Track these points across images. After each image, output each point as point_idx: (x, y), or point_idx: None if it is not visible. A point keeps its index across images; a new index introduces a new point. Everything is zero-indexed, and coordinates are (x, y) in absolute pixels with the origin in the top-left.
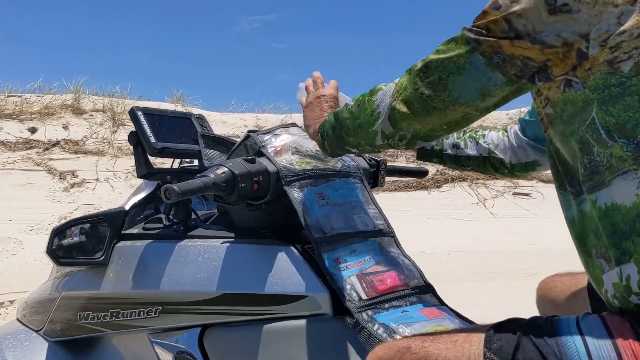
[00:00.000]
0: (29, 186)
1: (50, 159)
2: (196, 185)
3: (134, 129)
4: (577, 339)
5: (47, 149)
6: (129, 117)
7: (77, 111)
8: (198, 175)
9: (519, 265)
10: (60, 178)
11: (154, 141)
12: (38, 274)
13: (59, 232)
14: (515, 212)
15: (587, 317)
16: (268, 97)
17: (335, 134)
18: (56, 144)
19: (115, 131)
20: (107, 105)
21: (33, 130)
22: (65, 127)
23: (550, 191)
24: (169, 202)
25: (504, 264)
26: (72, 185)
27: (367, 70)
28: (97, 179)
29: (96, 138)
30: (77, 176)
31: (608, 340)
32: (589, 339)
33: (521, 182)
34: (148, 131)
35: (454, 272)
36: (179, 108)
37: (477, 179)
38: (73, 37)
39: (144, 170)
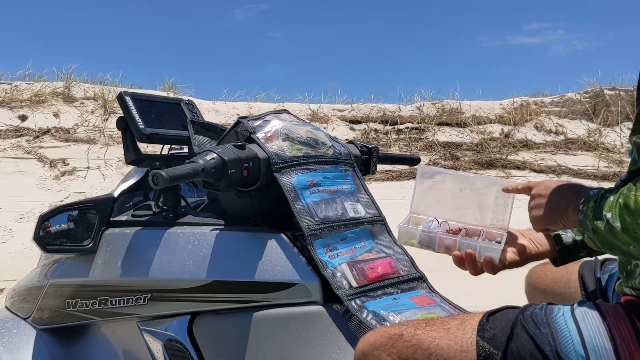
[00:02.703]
0: (19, 174)
1: (41, 147)
2: (185, 171)
3: (122, 115)
4: (572, 327)
5: (38, 137)
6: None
7: (68, 99)
8: (187, 161)
9: None
10: (51, 166)
11: (143, 127)
12: (28, 262)
13: (46, 219)
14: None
15: (582, 305)
16: (261, 86)
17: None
18: (47, 131)
19: (107, 119)
20: (98, 93)
21: (23, 118)
22: (55, 115)
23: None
24: (157, 187)
25: None
26: (63, 174)
27: (363, 60)
28: (88, 167)
29: (87, 126)
30: (68, 164)
31: (603, 328)
32: (583, 327)
33: (513, 172)
34: (137, 117)
35: (445, 261)
36: (171, 96)
37: (470, 169)
38: (63, 21)
39: (133, 157)
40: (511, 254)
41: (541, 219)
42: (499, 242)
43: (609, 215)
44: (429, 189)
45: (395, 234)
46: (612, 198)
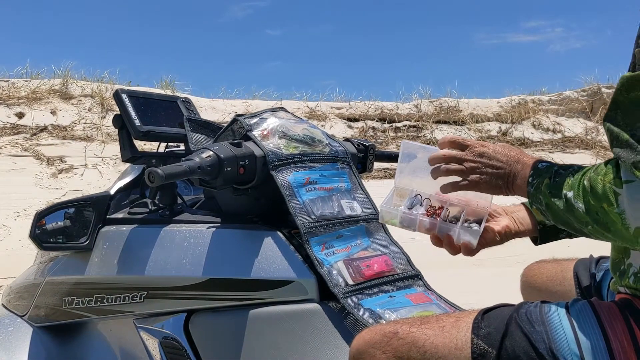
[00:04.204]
0: (16, 172)
1: (38, 145)
2: (181, 169)
3: (119, 112)
4: (566, 325)
5: (35, 134)
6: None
7: (65, 96)
8: (183, 159)
9: (508, 251)
10: (48, 164)
11: (139, 124)
12: (25, 260)
13: (42, 216)
14: (504, 199)
15: (576, 303)
16: (259, 84)
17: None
18: (44, 129)
19: (104, 117)
20: (96, 91)
21: (20, 115)
22: (53, 113)
23: None
24: (152, 185)
25: (493, 251)
26: (60, 171)
27: (361, 58)
28: (86, 165)
29: (84, 123)
30: (65, 162)
31: (597, 326)
32: (577, 325)
33: None
34: (133, 114)
35: (441, 259)
36: (168, 93)
37: None
38: (63, 21)
39: (129, 154)
40: (490, 233)
41: (482, 184)
42: (479, 224)
43: (569, 194)
44: (413, 163)
45: (392, 230)
46: (571, 178)
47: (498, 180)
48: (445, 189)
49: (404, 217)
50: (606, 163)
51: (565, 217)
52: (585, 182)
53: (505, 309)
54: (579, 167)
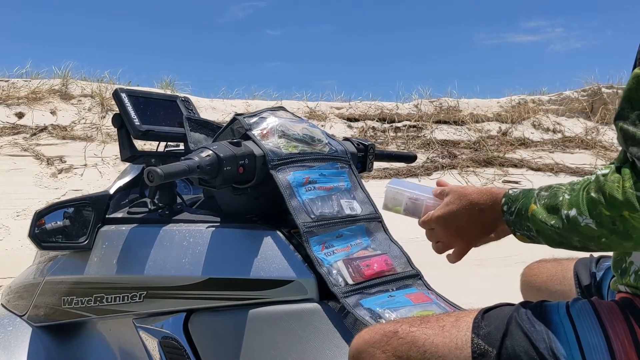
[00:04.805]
0: (16, 172)
1: (38, 145)
2: (180, 168)
3: (118, 112)
4: (567, 324)
5: (35, 134)
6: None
7: (65, 96)
8: (182, 158)
9: (508, 251)
10: (48, 164)
11: (138, 123)
12: (25, 259)
13: (41, 216)
14: None
15: (577, 302)
16: (259, 84)
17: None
18: (44, 129)
19: (104, 117)
20: (96, 91)
21: (20, 115)
22: (53, 112)
23: (539, 179)
24: (152, 184)
25: (493, 251)
26: (60, 171)
27: (361, 58)
28: (85, 165)
29: (84, 123)
30: (65, 162)
31: (597, 326)
32: (578, 325)
33: (511, 170)
34: (132, 113)
35: (442, 259)
36: (168, 93)
37: (467, 167)
38: (63, 20)
39: (128, 154)
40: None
41: (471, 239)
42: None
43: (572, 212)
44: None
45: (391, 229)
46: (566, 196)
47: (482, 229)
48: (451, 258)
49: (410, 204)
50: (617, 169)
51: (563, 237)
52: (592, 194)
53: (506, 309)
54: (560, 185)
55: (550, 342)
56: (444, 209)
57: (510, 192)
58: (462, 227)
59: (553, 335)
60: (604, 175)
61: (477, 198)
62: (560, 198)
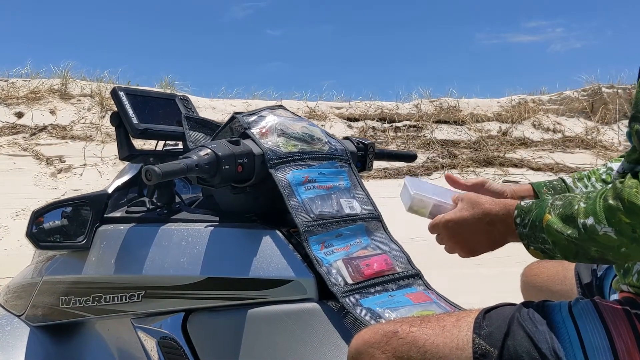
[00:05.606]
0: (16, 171)
1: (37, 144)
2: (178, 167)
3: (117, 111)
4: (570, 325)
5: (34, 134)
6: None
7: (65, 96)
8: (181, 157)
9: (508, 251)
10: (47, 163)
11: (137, 122)
12: (23, 259)
13: (39, 215)
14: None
15: (579, 302)
16: (259, 84)
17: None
18: (43, 129)
19: (103, 116)
20: (95, 90)
21: (20, 114)
22: (52, 112)
23: (539, 179)
24: (149, 183)
25: (494, 251)
26: (59, 171)
27: (361, 58)
28: (85, 165)
29: (84, 123)
30: (65, 162)
31: (600, 325)
32: (581, 325)
33: (511, 169)
34: (130, 112)
35: (443, 259)
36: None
37: (468, 166)
38: (60, 20)
39: (126, 152)
40: None
41: (474, 251)
42: None
43: (589, 221)
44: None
45: (392, 229)
46: (582, 204)
47: (490, 242)
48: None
49: (434, 209)
50: (634, 174)
51: (580, 247)
52: (610, 201)
53: (507, 309)
54: (574, 194)
55: (553, 342)
56: (455, 214)
57: (523, 203)
58: (468, 237)
59: (556, 335)
60: (620, 181)
61: (489, 207)
62: (576, 207)
